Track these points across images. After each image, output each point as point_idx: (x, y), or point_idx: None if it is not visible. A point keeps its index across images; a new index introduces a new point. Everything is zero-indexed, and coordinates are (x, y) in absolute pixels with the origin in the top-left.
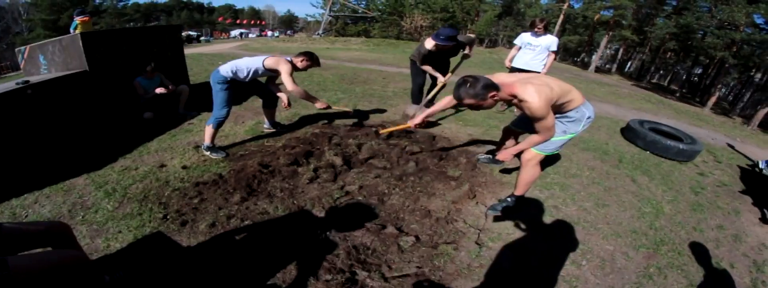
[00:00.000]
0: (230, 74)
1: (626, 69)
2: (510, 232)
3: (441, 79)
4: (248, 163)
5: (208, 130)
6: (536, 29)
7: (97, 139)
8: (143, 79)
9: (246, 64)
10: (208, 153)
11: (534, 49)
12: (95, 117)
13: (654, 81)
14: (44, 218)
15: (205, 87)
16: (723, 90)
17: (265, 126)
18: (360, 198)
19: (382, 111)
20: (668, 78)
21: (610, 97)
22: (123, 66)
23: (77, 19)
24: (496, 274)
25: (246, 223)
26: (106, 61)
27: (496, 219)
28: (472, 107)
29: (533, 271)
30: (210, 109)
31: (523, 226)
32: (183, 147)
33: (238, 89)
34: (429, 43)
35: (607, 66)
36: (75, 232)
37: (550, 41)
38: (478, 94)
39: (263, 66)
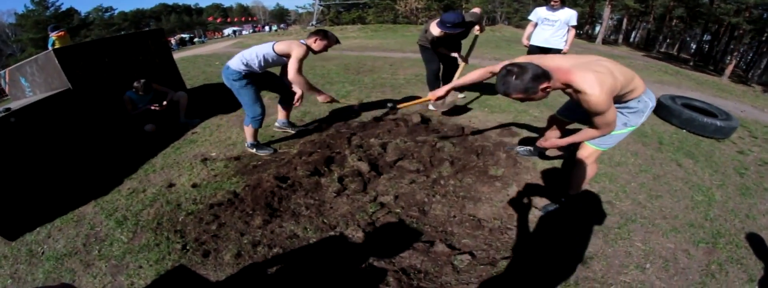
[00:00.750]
0: (243, 67)
1: (632, 39)
2: (568, 237)
3: (461, 62)
4: (263, 176)
5: (248, 130)
6: (553, 3)
7: (98, 159)
8: (133, 93)
9: (255, 52)
10: (253, 150)
11: (553, 25)
12: (91, 136)
13: (662, 50)
14: (60, 254)
15: (205, 91)
16: (739, 58)
17: (277, 125)
18: (398, 210)
19: (398, 101)
20: (676, 46)
21: None
22: (109, 79)
23: (53, 36)
24: (562, 286)
25: (275, 250)
26: (89, 76)
27: (552, 221)
28: (521, 99)
29: (598, 280)
30: (213, 114)
31: (580, 229)
32: (189, 161)
33: (260, 81)
34: (435, 30)
35: (613, 37)
36: (94, 268)
37: (570, 15)
38: (529, 87)
39: (274, 51)
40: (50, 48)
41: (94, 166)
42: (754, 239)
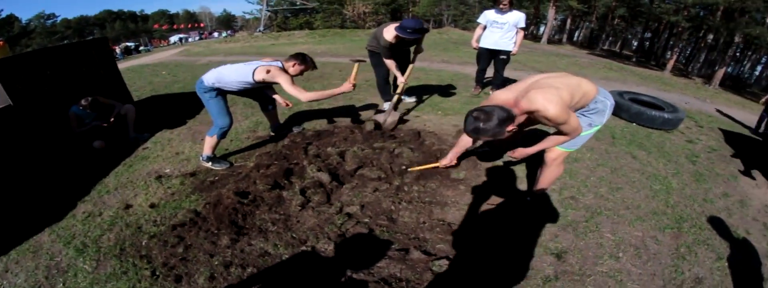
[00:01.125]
0: (216, 84)
1: (576, 38)
2: (539, 234)
3: (400, 79)
4: (223, 192)
5: (210, 141)
6: (501, 6)
7: (47, 180)
8: (80, 109)
9: (234, 77)
10: (208, 164)
11: (501, 27)
12: (37, 156)
13: (606, 48)
14: None
15: (153, 103)
16: (678, 53)
17: (273, 132)
18: (366, 220)
19: (351, 107)
20: (619, 44)
21: (574, 68)
22: (54, 92)
23: None
24: (542, 281)
25: (249, 270)
26: (31, 90)
27: (521, 220)
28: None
29: (577, 272)
30: (162, 127)
31: (549, 225)
32: (144, 179)
33: (231, 94)
34: (389, 34)
35: (557, 36)
36: None
37: (518, 17)
38: (497, 132)
39: (253, 79)
40: None
41: (43, 188)
42: (715, 221)
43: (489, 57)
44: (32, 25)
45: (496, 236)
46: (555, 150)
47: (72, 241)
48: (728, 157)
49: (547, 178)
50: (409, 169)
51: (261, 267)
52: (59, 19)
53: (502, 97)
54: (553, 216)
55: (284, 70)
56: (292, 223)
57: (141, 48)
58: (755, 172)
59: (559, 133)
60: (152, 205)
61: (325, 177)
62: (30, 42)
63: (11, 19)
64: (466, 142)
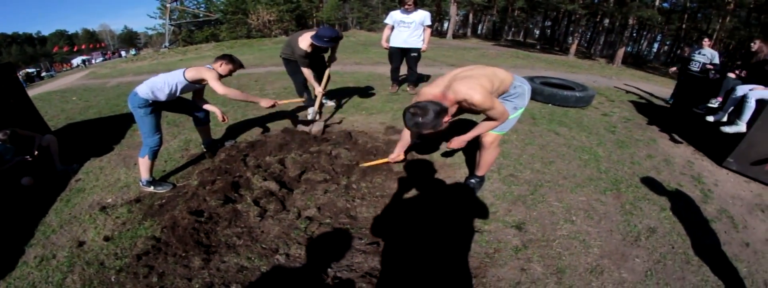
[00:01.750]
0: (151, 95)
1: (479, 31)
2: (494, 210)
3: (318, 90)
4: (176, 214)
5: (144, 163)
6: (406, 6)
7: None
8: None
9: (165, 81)
10: (150, 188)
11: (408, 26)
12: None
13: (510, 38)
14: None
15: (71, 131)
16: (579, 38)
17: (205, 148)
18: (328, 221)
19: (277, 115)
20: (522, 34)
21: (483, 60)
22: None
23: None
24: (514, 251)
25: (233, 287)
26: None
27: (472, 200)
28: (431, 136)
29: (542, 239)
30: (89, 156)
31: (500, 202)
32: (88, 213)
33: (164, 109)
34: (304, 43)
35: (461, 31)
36: None
37: (423, 16)
38: (436, 124)
39: (185, 79)
40: None
41: None
42: (648, 180)
43: (401, 55)
44: None
45: (454, 218)
46: (490, 134)
47: None
48: (644, 125)
49: (486, 161)
50: (361, 165)
51: (244, 282)
52: None
53: (430, 91)
54: (499, 193)
55: (213, 70)
56: (256, 234)
57: (43, 74)
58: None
59: (489, 119)
60: (107, 238)
61: (273, 185)
62: None
63: None
64: (409, 136)
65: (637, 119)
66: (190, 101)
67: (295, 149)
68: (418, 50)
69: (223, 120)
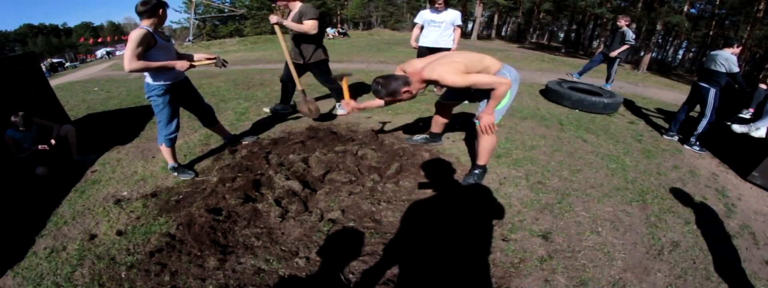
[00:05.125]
0: (157, 78)
1: (504, 33)
2: (521, 218)
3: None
4: (193, 211)
5: (164, 151)
6: (437, 5)
7: None
8: (15, 131)
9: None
10: (175, 174)
11: (439, 26)
12: None
13: (534, 41)
14: None
15: (91, 121)
16: (605, 42)
17: (227, 143)
18: (351, 224)
19: (296, 112)
20: (546, 37)
21: (508, 61)
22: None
23: None
24: (539, 262)
25: None
26: None
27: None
28: (393, 102)
29: (567, 249)
30: (107, 147)
31: (527, 210)
32: (101, 205)
33: (181, 99)
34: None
35: (486, 32)
36: None
37: (454, 16)
38: (391, 92)
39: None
40: None
41: None
42: (674, 191)
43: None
44: None
45: (480, 225)
46: (486, 119)
47: (42, 283)
48: (669, 133)
49: (485, 148)
50: (344, 79)
51: (260, 285)
52: None
53: (415, 64)
54: (527, 201)
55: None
56: (276, 236)
57: (67, 64)
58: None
59: (488, 91)
60: (119, 233)
61: (296, 185)
62: None
63: None
64: (377, 102)
65: (663, 128)
66: (201, 99)
67: (319, 148)
68: (448, 50)
69: (214, 63)
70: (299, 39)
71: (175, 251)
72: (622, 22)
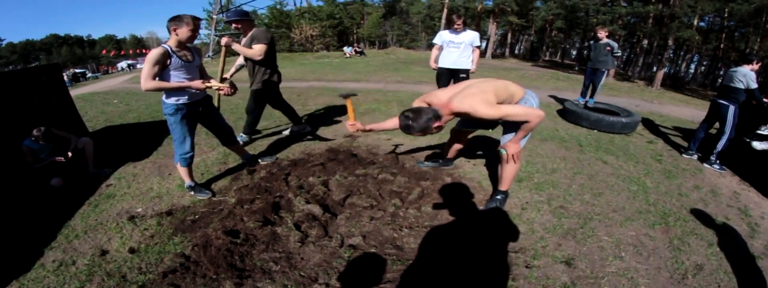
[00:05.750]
0: (172, 99)
1: (517, 51)
2: (544, 244)
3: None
4: (209, 232)
5: (181, 170)
6: (455, 26)
7: (4, 223)
8: (33, 142)
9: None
10: (192, 193)
11: (458, 47)
12: None
13: (547, 59)
14: None
15: (108, 134)
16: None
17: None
18: (372, 250)
19: (318, 132)
20: (559, 54)
21: (524, 81)
22: (1, 123)
23: None
24: None
25: None
26: None
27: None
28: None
29: (590, 276)
30: (124, 161)
31: (550, 236)
32: (115, 221)
33: (197, 118)
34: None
35: (499, 50)
36: None
37: (473, 37)
38: (424, 128)
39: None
40: None
41: (1, 234)
42: (696, 212)
43: (449, 76)
44: None
45: (504, 252)
46: (512, 147)
47: None
48: (688, 152)
49: (508, 175)
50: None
51: None
52: (4, 42)
53: (440, 95)
54: (550, 227)
55: (166, 46)
56: (295, 261)
57: (89, 74)
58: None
59: (518, 123)
60: (132, 250)
61: (316, 209)
62: None
63: None
64: (390, 125)
65: (682, 147)
66: (221, 118)
67: (340, 171)
68: (467, 71)
69: (225, 92)
70: (251, 62)
71: (190, 273)
72: (603, 34)
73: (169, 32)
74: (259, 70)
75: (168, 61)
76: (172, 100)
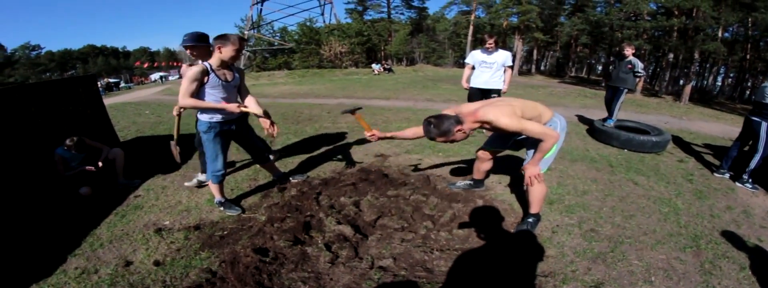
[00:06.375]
0: (205, 117)
1: (543, 68)
2: (573, 269)
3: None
4: (237, 249)
5: (212, 186)
6: (487, 45)
7: (28, 228)
8: (65, 150)
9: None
10: (221, 209)
11: (490, 67)
12: (16, 201)
13: (573, 75)
14: None
15: (139, 145)
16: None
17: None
18: (403, 273)
19: (349, 152)
20: (585, 70)
21: (552, 99)
22: (37, 131)
23: None
24: None
25: None
26: (11, 128)
27: (556, 257)
28: (445, 142)
29: None
30: (153, 173)
31: (580, 260)
32: (141, 232)
33: (230, 136)
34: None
35: (525, 67)
36: None
37: (505, 56)
38: (445, 132)
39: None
40: None
41: (26, 238)
42: (728, 234)
43: (480, 96)
44: (17, 55)
45: (533, 276)
46: (532, 170)
47: None
48: (720, 171)
49: (536, 197)
50: (355, 113)
51: None
52: (44, 50)
53: (470, 106)
54: (579, 250)
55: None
56: (324, 281)
57: (122, 84)
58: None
59: (537, 141)
60: (157, 263)
61: (347, 230)
62: (13, 72)
63: None
64: (409, 133)
65: (714, 165)
66: (255, 137)
67: (371, 191)
68: (498, 91)
69: (271, 134)
70: None
71: None
72: (629, 51)
73: (213, 50)
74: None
75: (205, 79)
76: (206, 118)
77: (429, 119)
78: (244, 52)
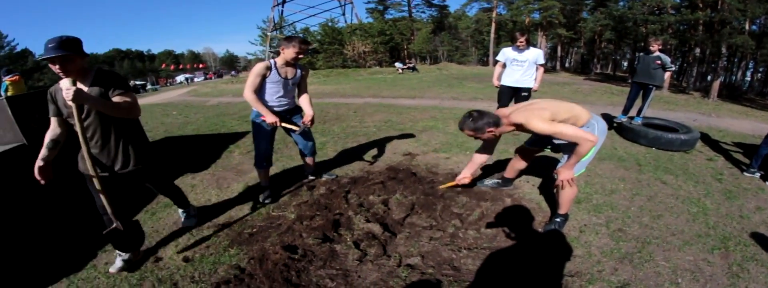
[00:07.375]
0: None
1: (567, 64)
2: (600, 268)
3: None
4: (266, 246)
5: (258, 173)
6: (519, 43)
7: (57, 223)
8: None
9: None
10: (260, 195)
11: (522, 65)
12: (49, 199)
13: (598, 71)
14: None
15: (168, 145)
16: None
17: (308, 176)
18: (430, 271)
19: (377, 151)
20: (610, 66)
21: (578, 96)
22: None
23: (6, 80)
24: None
25: None
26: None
27: (583, 257)
28: (472, 137)
29: None
30: (182, 172)
31: (607, 260)
32: (171, 229)
33: (283, 121)
34: None
35: (550, 64)
36: None
37: (537, 54)
38: (478, 128)
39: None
40: (3, 94)
41: (57, 234)
42: (757, 236)
43: (510, 95)
44: (44, 61)
45: (560, 276)
46: (566, 173)
47: None
48: (750, 170)
49: (565, 199)
50: (439, 188)
51: None
52: None
53: (505, 110)
54: (607, 250)
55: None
56: (352, 279)
57: (148, 87)
58: None
59: (572, 145)
60: (186, 259)
61: (376, 228)
62: (42, 77)
63: (25, 53)
64: (477, 160)
65: (744, 164)
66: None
67: (400, 190)
68: (529, 90)
69: (304, 122)
70: None
71: (243, 285)
72: (655, 47)
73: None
74: None
75: (267, 74)
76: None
77: (472, 112)
78: (267, 52)
